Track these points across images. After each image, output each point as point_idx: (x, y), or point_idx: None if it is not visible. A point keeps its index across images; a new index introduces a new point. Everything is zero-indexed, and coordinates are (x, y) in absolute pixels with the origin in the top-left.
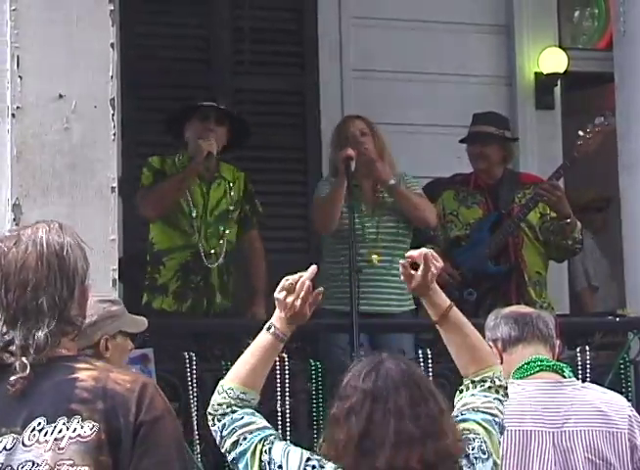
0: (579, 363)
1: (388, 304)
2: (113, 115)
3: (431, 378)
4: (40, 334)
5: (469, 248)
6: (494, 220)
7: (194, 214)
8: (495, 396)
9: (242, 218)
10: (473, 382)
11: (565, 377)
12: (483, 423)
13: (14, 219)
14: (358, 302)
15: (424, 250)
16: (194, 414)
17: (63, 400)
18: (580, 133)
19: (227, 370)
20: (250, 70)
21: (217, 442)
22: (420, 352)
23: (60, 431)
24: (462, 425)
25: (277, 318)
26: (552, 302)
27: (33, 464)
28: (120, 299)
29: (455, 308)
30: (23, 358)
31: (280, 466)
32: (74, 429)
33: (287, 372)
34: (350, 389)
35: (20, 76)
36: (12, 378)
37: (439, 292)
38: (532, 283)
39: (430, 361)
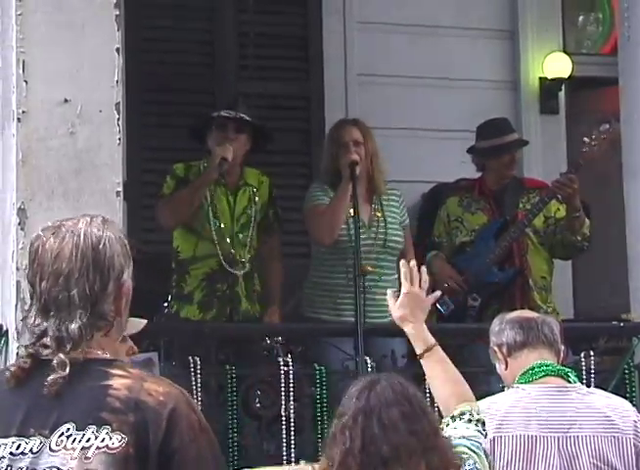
0: (584, 368)
1: (381, 315)
2: (118, 119)
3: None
4: (73, 326)
5: (474, 254)
6: (499, 226)
7: (220, 224)
8: (475, 427)
9: (265, 224)
10: (452, 417)
11: (570, 382)
12: (472, 447)
13: (19, 223)
14: (364, 309)
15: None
16: None
17: (94, 408)
18: (585, 140)
19: (231, 374)
20: (254, 74)
21: None
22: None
23: (88, 440)
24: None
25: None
26: (557, 307)
27: None
28: None
29: (438, 347)
30: (62, 355)
31: None
32: (103, 439)
33: (291, 377)
34: (345, 407)
35: (25, 81)
36: (50, 377)
37: (425, 327)
38: (538, 288)
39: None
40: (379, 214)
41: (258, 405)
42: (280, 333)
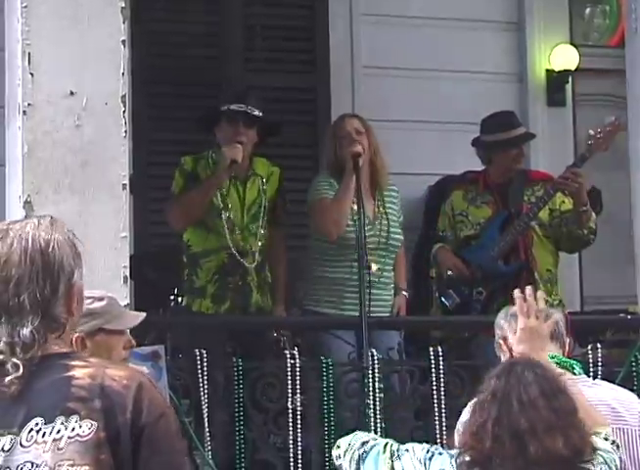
0: (591, 361)
1: (383, 310)
2: (124, 112)
3: (442, 375)
4: (25, 331)
5: (479, 247)
6: (504, 219)
7: (230, 215)
8: (611, 445)
9: (273, 215)
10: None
11: (575, 374)
12: (607, 460)
13: (25, 216)
14: (369, 304)
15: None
16: (205, 412)
17: (60, 399)
18: (591, 132)
19: (237, 367)
20: (261, 67)
21: None
22: (431, 349)
23: (58, 431)
24: None
25: None
26: (563, 298)
27: (32, 465)
28: (129, 295)
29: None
30: (14, 358)
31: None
32: (73, 428)
33: (297, 369)
34: (485, 385)
35: (31, 73)
36: (6, 379)
37: (548, 358)
38: (543, 281)
39: (440, 359)
40: (382, 210)
41: (265, 398)
42: (287, 326)
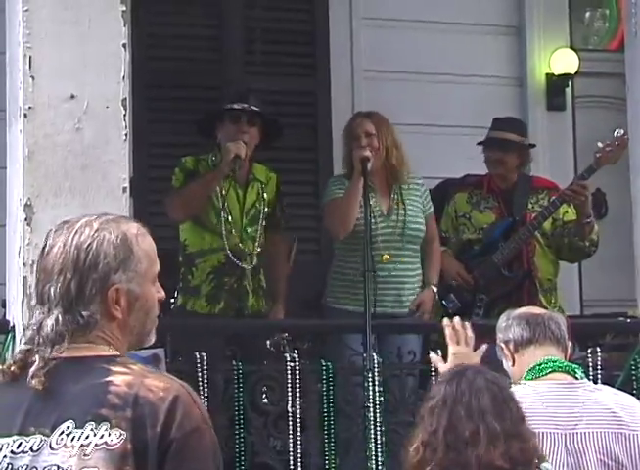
0: (590, 365)
1: (399, 305)
2: (124, 115)
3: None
4: (48, 321)
5: (481, 253)
6: (507, 227)
7: (228, 218)
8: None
9: (271, 220)
10: None
11: (577, 378)
12: None
13: (25, 219)
14: (375, 303)
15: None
16: None
17: (94, 405)
18: (599, 145)
19: (237, 370)
20: (261, 70)
21: None
22: (430, 353)
23: (87, 437)
24: None
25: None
26: (562, 304)
27: (58, 469)
28: None
29: None
30: (39, 349)
31: None
32: (102, 435)
33: (297, 373)
34: (434, 391)
35: (32, 77)
36: (30, 370)
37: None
38: (543, 290)
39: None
40: (399, 204)
41: (265, 401)
42: (287, 329)
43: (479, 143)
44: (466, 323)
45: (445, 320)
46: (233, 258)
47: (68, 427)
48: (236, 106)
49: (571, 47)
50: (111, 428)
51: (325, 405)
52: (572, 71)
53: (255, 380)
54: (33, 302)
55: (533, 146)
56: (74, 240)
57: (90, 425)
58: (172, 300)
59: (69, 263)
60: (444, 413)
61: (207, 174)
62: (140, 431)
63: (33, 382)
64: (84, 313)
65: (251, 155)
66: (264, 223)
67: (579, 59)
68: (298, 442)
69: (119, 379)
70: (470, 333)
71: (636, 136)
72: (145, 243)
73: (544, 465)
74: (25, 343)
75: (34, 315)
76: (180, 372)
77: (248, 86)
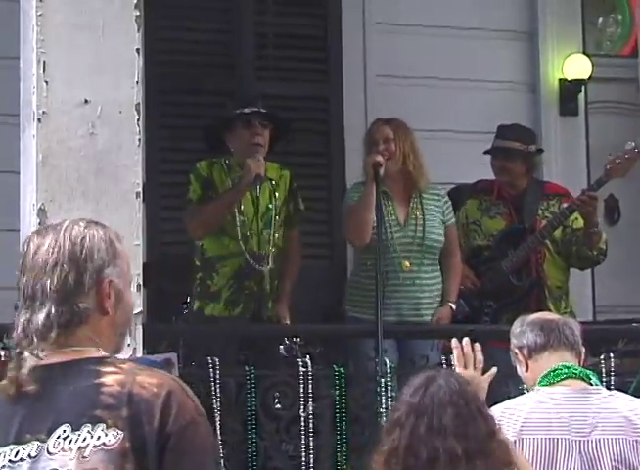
0: (603, 371)
1: (418, 313)
2: (138, 120)
3: None
4: (41, 316)
5: (490, 259)
6: (517, 233)
7: (244, 220)
8: None
9: (286, 218)
10: None
11: (591, 384)
12: None
13: (39, 224)
14: (394, 311)
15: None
16: (217, 420)
17: (88, 407)
18: (610, 157)
19: (250, 375)
20: (273, 75)
21: None
22: (444, 358)
23: (84, 439)
24: None
25: None
26: (575, 310)
27: None
28: (142, 303)
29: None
30: (31, 347)
31: None
32: (99, 437)
33: (310, 377)
34: (400, 402)
35: (45, 82)
36: (22, 371)
37: None
38: (552, 298)
39: (453, 368)
40: (417, 213)
41: (277, 406)
42: (299, 334)
43: (485, 152)
44: (476, 345)
45: (454, 341)
46: (252, 262)
47: (65, 431)
48: (247, 110)
49: (584, 52)
50: (107, 428)
51: (337, 410)
52: (585, 77)
53: (268, 385)
54: (19, 302)
55: (541, 151)
56: (66, 235)
57: (86, 427)
58: (185, 305)
59: (65, 257)
60: (406, 430)
61: (227, 195)
62: (137, 428)
63: (24, 389)
64: (81, 305)
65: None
66: (280, 222)
67: (592, 64)
68: (310, 446)
69: (111, 379)
70: (480, 356)
71: None
72: (124, 247)
73: None
74: (16, 345)
75: (21, 314)
76: (193, 377)
77: (260, 92)
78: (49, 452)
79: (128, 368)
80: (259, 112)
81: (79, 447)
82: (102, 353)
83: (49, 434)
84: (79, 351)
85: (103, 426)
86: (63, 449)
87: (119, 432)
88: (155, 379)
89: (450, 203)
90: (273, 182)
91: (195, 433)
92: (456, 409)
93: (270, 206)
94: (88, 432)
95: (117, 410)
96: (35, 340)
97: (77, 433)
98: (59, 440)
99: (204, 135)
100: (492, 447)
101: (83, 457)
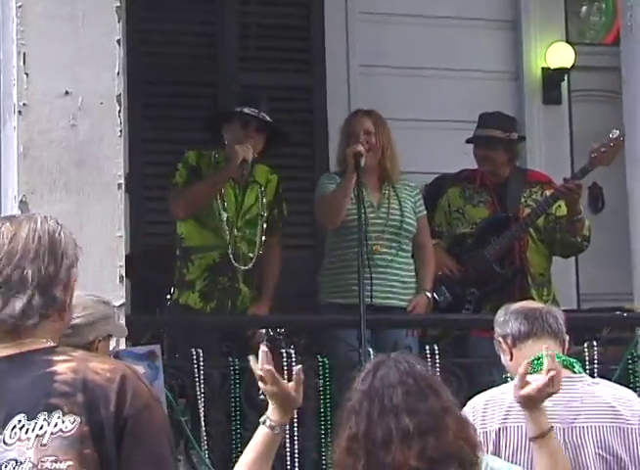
0: (587, 359)
1: (391, 296)
2: (119, 111)
3: (438, 373)
4: (18, 303)
5: (473, 247)
6: (500, 222)
7: (225, 217)
8: None
9: (269, 222)
10: None
11: (575, 372)
12: None
13: None
14: (371, 295)
15: (553, 371)
16: (201, 411)
17: (42, 396)
18: (594, 146)
19: (233, 366)
20: (256, 66)
21: None
22: (427, 347)
23: (41, 427)
24: None
25: (271, 410)
26: (558, 298)
27: (17, 463)
28: (125, 295)
29: (553, 433)
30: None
31: None
32: (56, 424)
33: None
34: (353, 391)
35: (26, 73)
36: None
37: (544, 411)
38: (536, 285)
39: (437, 357)
40: (391, 199)
41: (261, 397)
42: (282, 325)
43: (467, 141)
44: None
45: (544, 349)
46: (228, 258)
47: (20, 421)
48: (247, 110)
49: (567, 41)
50: (64, 415)
51: (322, 401)
52: (568, 65)
53: (252, 376)
54: None
55: (523, 138)
56: (44, 227)
57: (42, 415)
58: (168, 296)
59: (45, 247)
60: (361, 415)
61: (213, 176)
62: (94, 413)
63: None
64: (56, 299)
65: (253, 158)
66: (264, 227)
67: (575, 53)
68: (295, 437)
69: (63, 367)
70: (559, 370)
71: (631, 130)
72: None
73: (488, 458)
74: None
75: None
76: (177, 368)
77: (242, 83)
78: (5, 443)
79: (80, 356)
80: (258, 116)
81: (37, 436)
82: (51, 344)
83: (4, 425)
84: (27, 343)
85: (59, 413)
86: (19, 439)
87: (76, 418)
88: (107, 365)
89: (421, 196)
90: (263, 187)
91: (151, 417)
92: (406, 387)
93: (255, 208)
94: (44, 420)
95: (73, 397)
96: (9, 325)
97: (34, 421)
98: (15, 430)
99: (205, 120)
100: (446, 423)
101: (42, 445)
